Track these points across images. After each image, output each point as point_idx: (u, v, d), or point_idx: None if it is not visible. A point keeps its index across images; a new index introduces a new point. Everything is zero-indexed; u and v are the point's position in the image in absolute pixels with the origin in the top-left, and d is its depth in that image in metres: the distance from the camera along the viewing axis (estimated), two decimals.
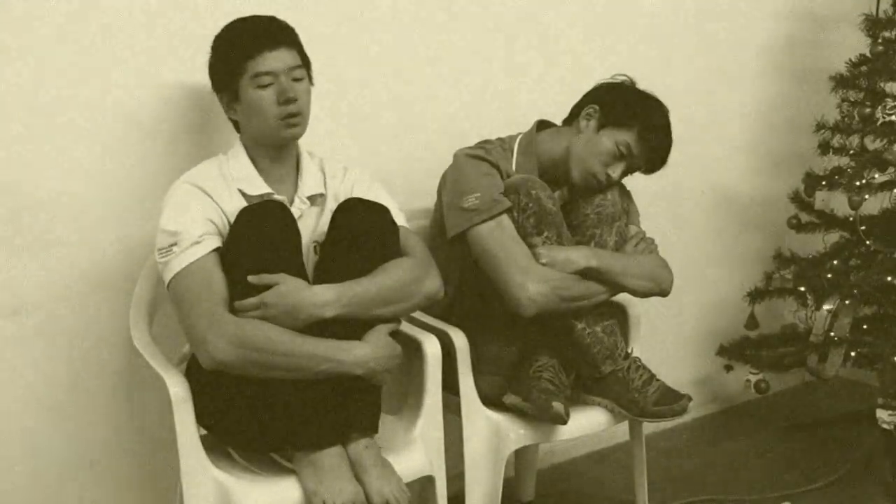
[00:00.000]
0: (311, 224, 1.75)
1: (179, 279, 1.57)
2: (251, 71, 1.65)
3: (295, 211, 1.70)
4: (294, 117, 1.69)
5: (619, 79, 2.08)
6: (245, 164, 1.72)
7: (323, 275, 1.68)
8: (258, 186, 1.71)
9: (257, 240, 1.57)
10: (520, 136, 2.10)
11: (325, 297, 1.58)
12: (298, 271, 1.62)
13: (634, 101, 2.03)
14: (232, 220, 1.62)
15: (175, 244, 1.58)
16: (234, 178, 1.69)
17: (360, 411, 1.66)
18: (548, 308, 1.90)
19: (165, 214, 1.63)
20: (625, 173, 2.04)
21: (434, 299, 1.75)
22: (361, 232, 1.67)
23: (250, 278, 1.55)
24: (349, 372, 1.59)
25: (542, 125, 2.13)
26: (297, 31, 2.10)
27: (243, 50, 1.66)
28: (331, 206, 1.75)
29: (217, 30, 1.73)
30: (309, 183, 1.76)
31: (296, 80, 1.69)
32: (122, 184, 1.89)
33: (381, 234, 1.69)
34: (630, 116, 1.99)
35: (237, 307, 1.55)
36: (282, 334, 1.54)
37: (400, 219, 1.76)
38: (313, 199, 1.76)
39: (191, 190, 1.65)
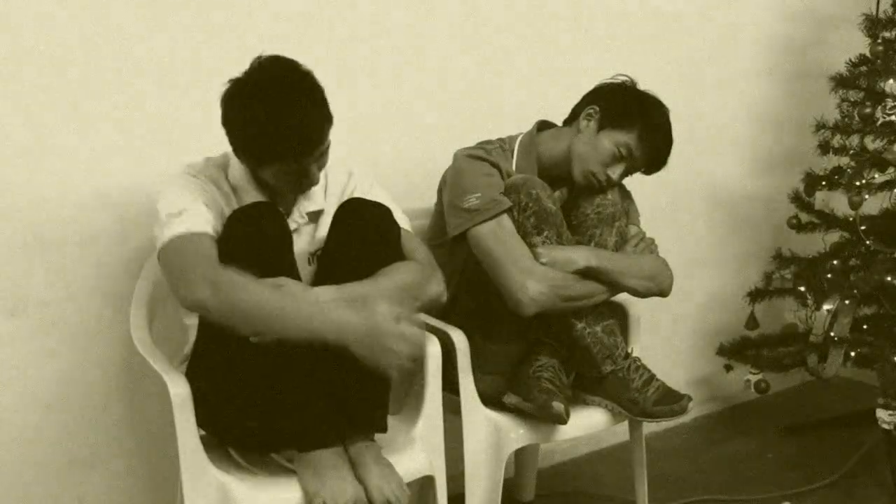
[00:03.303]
0: (307, 237, 1.75)
1: (183, 239, 1.54)
2: (275, 168, 1.61)
3: (291, 224, 1.69)
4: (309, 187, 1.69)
5: (620, 79, 2.08)
6: (242, 176, 1.68)
7: (325, 274, 1.68)
8: (254, 197, 1.69)
9: (250, 242, 1.56)
10: (520, 137, 2.10)
11: (327, 299, 1.58)
12: (291, 272, 1.62)
13: (634, 102, 2.03)
14: None
15: (186, 210, 1.56)
16: (234, 186, 1.68)
17: (360, 411, 1.65)
18: (548, 308, 1.90)
19: (175, 189, 1.61)
20: (625, 174, 2.04)
21: (437, 303, 1.75)
22: (364, 231, 1.66)
23: None
24: (328, 336, 1.50)
25: (543, 125, 2.13)
26: (296, 31, 2.11)
27: (270, 153, 1.59)
28: (329, 216, 1.74)
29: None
30: (311, 198, 1.75)
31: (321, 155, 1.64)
32: (123, 183, 1.89)
33: (383, 234, 1.69)
34: (630, 118, 1.99)
35: None
36: (262, 285, 1.49)
37: (402, 221, 1.76)
38: (312, 216, 1.75)
39: (195, 180, 1.65)
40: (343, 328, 1.50)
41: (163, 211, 1.58)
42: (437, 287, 1.73)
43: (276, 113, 1.53)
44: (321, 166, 1.66)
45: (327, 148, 1.63)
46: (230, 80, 1.59)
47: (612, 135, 1.99)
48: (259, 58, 1.60)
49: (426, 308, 1.75)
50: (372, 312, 1.52)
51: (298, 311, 1.50)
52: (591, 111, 2.03)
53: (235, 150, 1.63)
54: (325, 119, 1.60)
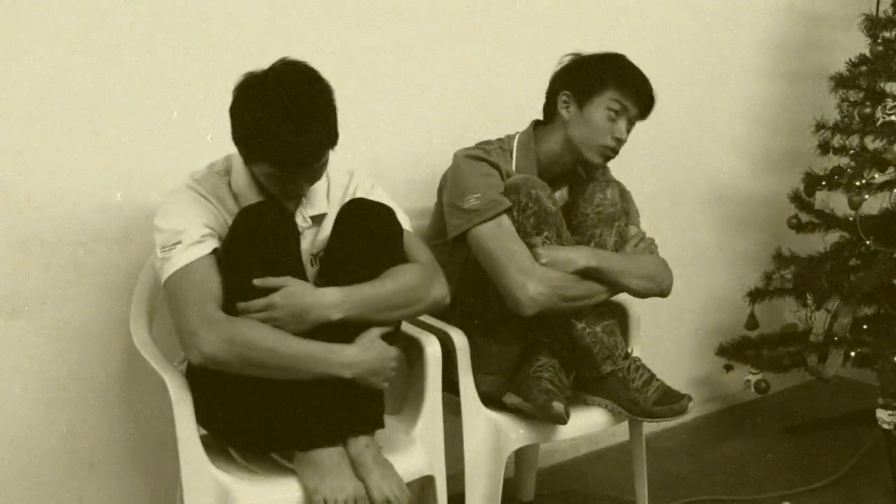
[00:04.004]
0: (309, 239, 1.74)
1: (179, 275, 1.57)
2: (268, 171, 1.60)
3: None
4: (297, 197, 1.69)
5: (567, 59, 2.10)
6: (245, 183, 1.67)
7: (327, 275, 1.68)
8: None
9: (256, 239, 1.57)
10: (518, 136, 2.10)
11: (333, 300, 1.58)
12: (298, 272, 1.62)
13: (592, 65, 2.05)
14: None
15: (180, 242, 1.58)
16: (236, 193, 1.68)
17: (360, 410, 1.65)
18: (548, 308, 1.90)
19: (171, 214, 1.62)
20: (629, 128, 2.04)
21: (441, 306, 1.75)
22: (366, 232, 1.66)
23: (256, 282, 1.54)
24: (338, 374, 1.58)
25: (539, 125, 2.14)
26: (297, 31, 2.10)
27: (257, 155, 1.59)
28: (332, 218, 1.73)
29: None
30: (314, 202, 1.74)
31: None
32: (123, 183, 1.89)
33: (386, 235, 1.69)
34: (599, 79, 2.01)
35: (242, 308, 1.55)
36: (272, 333, 1.54)
37: (404, 222, 1.76)
38: (315, 219, 1.75)
39: (196, 197, 1.65)
40: (353, 367, 1.59)
41: (158, 242, 1.60)
42: (440, 290, 1.73)
43: (274, 119, 1.52)
44: (312, 180, 1.66)
45: (322, 165, 1.63)
46: (248, 72, 1.59)
47: (596, 103, 2.01)
48: (284, 59, 1.59)
49: (430, 311, 1.75)
50: (376, 349, 1.62)
51: (309, 354, 1.56)
52: (564, 98, 2.05)
53: (232, 138, 1.62)
54: (326, 139, 1.59)
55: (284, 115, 1.52)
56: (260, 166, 1.61)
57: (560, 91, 2.06)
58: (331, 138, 1.60)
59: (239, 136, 1.60)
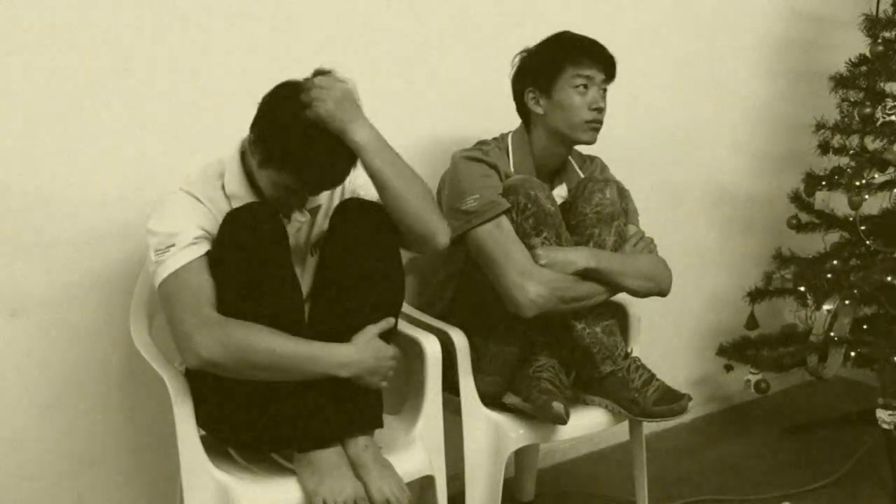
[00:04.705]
0: (306, 230, 1.75)
1: (173, 278, 1.56)
2: (273, 176, 1.61)
3: (294, 224, 1.69)
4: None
5: (516, 59, 2.12)
6: (239, 184, 1.66)
7: (323, 275, 1.69)
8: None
9: (245, 243, 1.56)
10: (511, 134, 2.11)
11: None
12: (286, 275, 1.61)
13: (541, 53, 2.07)
14: None
15: (173, 244, 1.57)
16: (230, 195, 1.66)
17: (359, 410, 1.66)
18: (547, 309, 1.90)
19: (164, 217, 1.61)
20: (602, 93, 2.05)
21: (438, 243, 1.70)
22: (360, 232, 1.66)
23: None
24: (335, 374, 1.58)
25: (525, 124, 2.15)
26: (294, 32, 2.10)
27: (294, 173, 1.59)
28: (326, 208, 1.74)
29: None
30: (313, 197, 1.74)
31: None
32: (123, 183, 1.89)
33: (379, 234, 1.69)
34: (553, 63, 2.03)
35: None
36: (268, 334, 1.54)
37: None
38: (312, 211, 1.75)
39: (189, 199, 1.64)
40: (350, 367, 1.60)
41: (152, 246, 1.60)
42: (444, 227, 1.71)
43: (309, 138, 1.54)
44: (316, 193, 1.69)
45: None
46: (287, 81, 1.60)
47: (560, 86, 2.02)
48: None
49: (433, 229, 1.70)
50: (372, 348, 1.62)
51: (305, 355, 1.57)
52: (531, 95, 2.07)
53: (252, 131, 1.61)
54: (352, 164, 1.62)
55: (320, 136, 1.54)
56: (276, 175, 1.60)
57: (524, 91, 2.08)
58: (355, 162, 1.62)
59: (266, 143, 1.59)
